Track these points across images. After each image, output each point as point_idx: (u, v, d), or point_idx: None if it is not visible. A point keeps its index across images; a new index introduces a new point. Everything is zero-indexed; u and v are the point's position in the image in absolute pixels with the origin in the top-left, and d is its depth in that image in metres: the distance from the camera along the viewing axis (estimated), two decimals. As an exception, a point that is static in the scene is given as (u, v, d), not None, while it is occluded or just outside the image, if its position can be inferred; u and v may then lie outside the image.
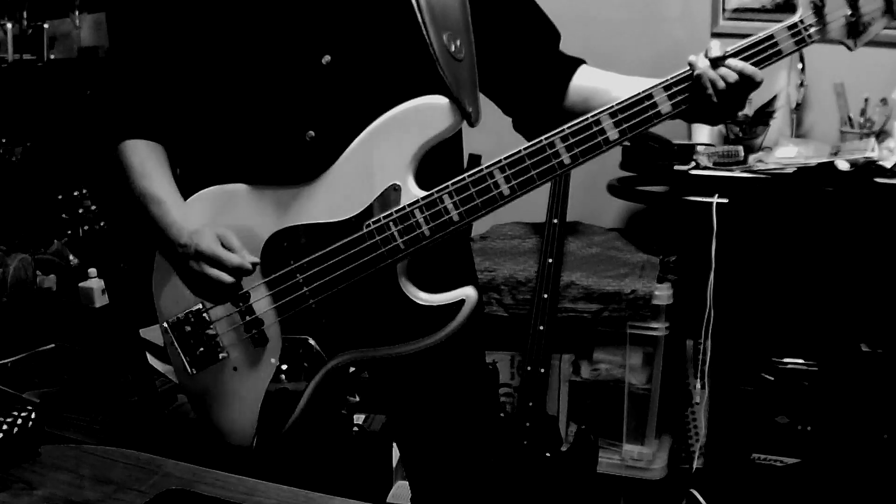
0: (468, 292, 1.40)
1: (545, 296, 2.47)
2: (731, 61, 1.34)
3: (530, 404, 2.46)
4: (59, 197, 2.36)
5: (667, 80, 1.37)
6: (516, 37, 1.52)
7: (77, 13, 2.81)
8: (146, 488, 1.26)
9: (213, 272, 1.39)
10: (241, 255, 1.40)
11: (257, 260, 1.42)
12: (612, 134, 1.35)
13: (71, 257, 2.56)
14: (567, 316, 2.61)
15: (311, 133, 1.42)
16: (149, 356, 2.18)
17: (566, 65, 1.56)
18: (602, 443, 2.63)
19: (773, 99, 2.64)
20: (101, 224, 2.38)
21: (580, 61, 1.58)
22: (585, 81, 1.54)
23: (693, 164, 2.59)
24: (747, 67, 1.34)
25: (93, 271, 2.49)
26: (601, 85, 1.51)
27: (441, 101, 1.37)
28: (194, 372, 1.51)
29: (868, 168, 2.42)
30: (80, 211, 2.34)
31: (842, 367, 2.57)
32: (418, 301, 1.41)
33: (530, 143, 1.36)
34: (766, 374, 2.62)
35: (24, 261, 2.37)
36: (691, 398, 2.81)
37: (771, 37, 1.34)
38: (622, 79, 1.50)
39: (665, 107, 1.36)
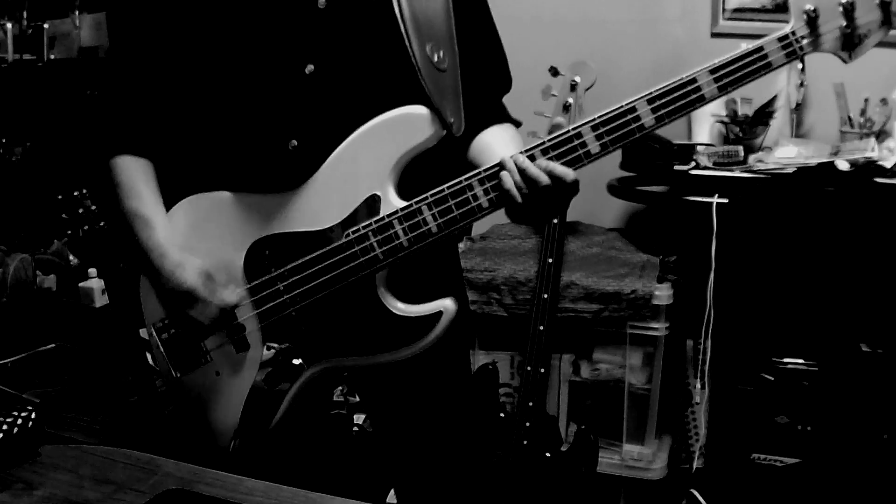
0: (446, 304, 1.39)
1: (545, 296, 2.47)
2: (540, 161, 1.31)
3: (530, 404, 2.46)
4: (59, 197, 2.37)
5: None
6: (470, 68, 1.47)
7: (77, 13, 2.82)
8: (146, 488, 1.26)
9: (194, 311, 1.43)
10: (223, 295, 1.42)
11: (239, 296, 1.44)
12: (594, 147, 1.33)
13: (71, 257, 2.56)
14: (567, 316, 2.61)
15: (294, 142, 1.42)
16: (149, 356, 2.18)
17: (490, 116, 1.53)
18: (602, 443, 2.62)
19: (773, 99, 2.64)
20: (101, 224, 2.39)
21: (502, 120, 1.56)
22: (490, 138, 1.51)
23: (693, 164, 2.59)
24: (557, 168, 1.30)
25: (93, 271, 2.50)
26: (495, 149, 1.46)
27: (421, 110, 1.36)
28: (178, 375, 1.52)
29: (868, 168, 2.42)
30: (80, 211, 2.34)
31: (842, 367, 2.57)
32: (396, 311, 1.40)
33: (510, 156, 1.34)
34: (765, 374, 2.62)
35: (24, 261, 2.38)
36: (691, 398, 2.81)
37: (760, 48, 1.27)
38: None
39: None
